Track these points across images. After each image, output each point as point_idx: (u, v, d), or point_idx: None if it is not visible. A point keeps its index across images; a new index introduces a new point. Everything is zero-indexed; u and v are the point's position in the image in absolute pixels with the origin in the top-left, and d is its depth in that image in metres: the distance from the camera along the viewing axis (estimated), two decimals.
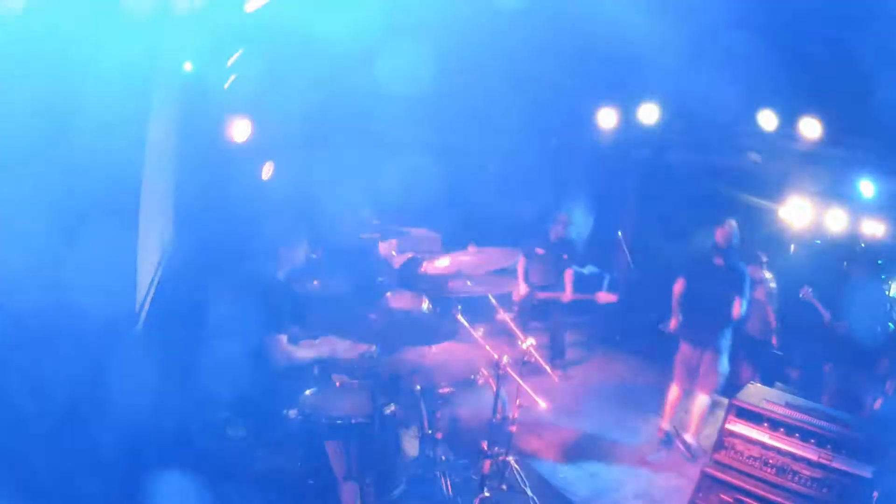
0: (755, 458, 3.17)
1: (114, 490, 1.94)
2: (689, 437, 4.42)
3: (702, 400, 4.40)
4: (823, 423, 3.07)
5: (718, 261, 4.43)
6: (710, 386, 4.41)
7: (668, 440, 4.55)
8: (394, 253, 5.63)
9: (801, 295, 5.18)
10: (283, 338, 3.40)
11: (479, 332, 3.82)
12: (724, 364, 4.47)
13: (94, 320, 1.83)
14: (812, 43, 4.08)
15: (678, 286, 4.70)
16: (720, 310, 4.35)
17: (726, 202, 7.23)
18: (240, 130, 4.12)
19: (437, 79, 5.63)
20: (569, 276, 5.99)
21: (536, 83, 6.00)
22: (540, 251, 5.96)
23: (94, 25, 1.62)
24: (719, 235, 4.45)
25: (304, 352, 3.68)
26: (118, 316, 2.06)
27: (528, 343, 3.32)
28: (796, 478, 3.03)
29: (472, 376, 3.55)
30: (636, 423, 4.95)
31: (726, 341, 4.46)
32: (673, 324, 4.72)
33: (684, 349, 4.54)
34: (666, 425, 4.59)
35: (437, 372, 3.08)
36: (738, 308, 4.34)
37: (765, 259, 5.51)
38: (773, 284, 5.49)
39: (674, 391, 4.58)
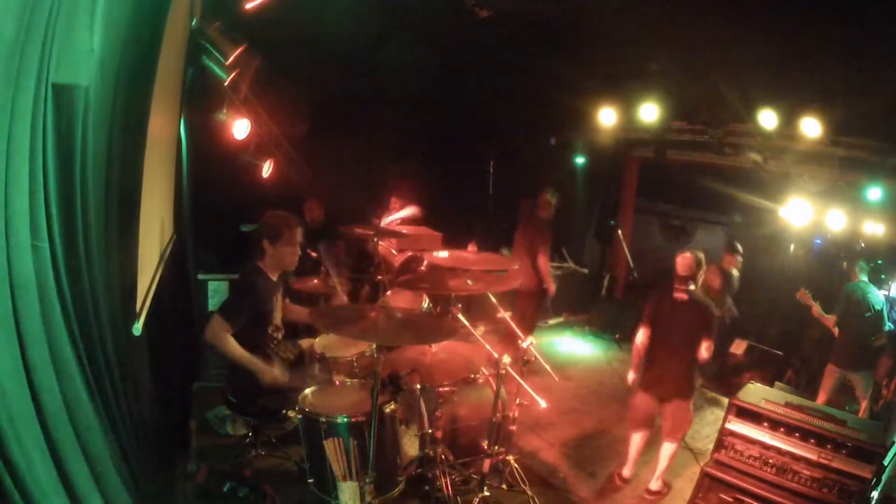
0: (755, 458, 3.17)
1: (114, 488, 1.93)
2: (653, 483, 3.88)
3: (669, 448, 3.83)
4: (823, 423, 3.07)
5: (680, 295, 3.73)
6: (681, 435, 3.88)
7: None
8: (394, 252, 5.62)
9: (797, 297, 5.19)
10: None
11: (479, 331, 3.81)
12: (691, 409, 3.83)
13: (95, 320, 1.82)
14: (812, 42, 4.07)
15: (642, 337, 3.89)
16: (685, 353, 3.70)
17: (726, 202, 7.26)
18: (240, 128, 4.11)
19: (436, 78, 5.64)
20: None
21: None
22: None
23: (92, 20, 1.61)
24: (680, 265, 3.80)
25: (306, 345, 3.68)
26: (119, 315, 2.04)
27: (528, 342, 3.32)
28: (796, 477, 3.03)
29: (473, 375, 3.55)
30: None
31: (692, 385, 3.82)
32: (633, 377, 3.95)
33: (644, 397, 3.88)
34: (628, 473, 4.01)
35: (436, 371, 3.08)
36: (709, 350, 3.67)
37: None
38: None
39: (636, 439, 3.97)
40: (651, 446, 4.01)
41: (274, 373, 3.09)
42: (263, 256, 3.22)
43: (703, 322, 3.66)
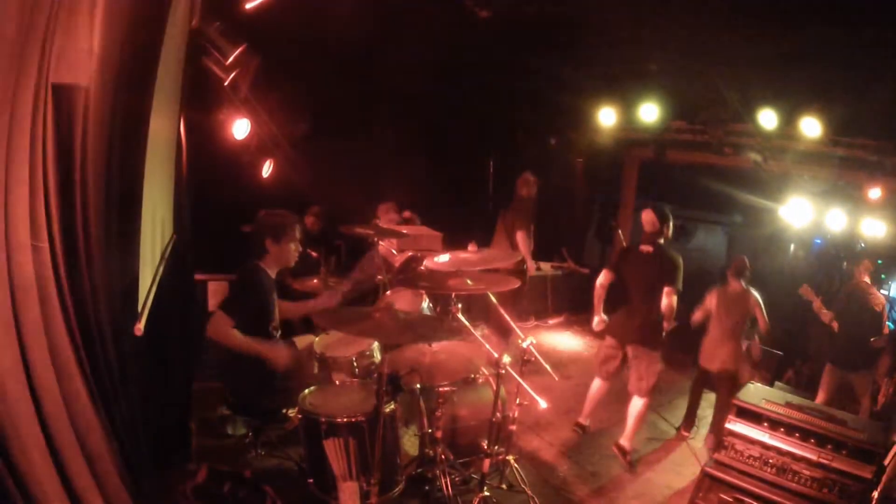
0: (755, 458, 3.17)
1: (114, 488, 1.93)
2: (623, 441, 4.13)
3: (637, 403, 4.10)
4: (823, 423, 3.07)
5: (646, 248, 3.99)
6: (647, 388, 4.06)
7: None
8: (394, 252, 5.62)
9: (800, 292, 5.19)
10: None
11: (479, 331, 3.81)
12: (659, 364, 4.05)
13: (95, 320, 1.82)
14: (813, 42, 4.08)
15: (602, 278, 4.18)
16: (649, 300, 3.92)
17: (726, 202, 7.26)
18: (240, 128, 4.11)
19: (436, 78, 5.65)
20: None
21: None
22: None
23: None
24: (645, 222, 4.04)
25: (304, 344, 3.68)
26: (119, 315, 2.04)
27: (528, 342, 3.31)
28: (796, 477, 3.03)
29: (473, 375, 3.55)
30: None
31: (658, 338, 4.02)
32: (599, 323, 4.24)
33: (608, 345, 4.20)
34: (583, 420, 4.44)
35: (436, 371, 3.08)
36: (669, 298, 3.84)
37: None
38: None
39: (595, 386, 4.38)
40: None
41: (280, 351, 3.08)
42: (265, 255, 3.23)
43: (667, 272, 3.89)
